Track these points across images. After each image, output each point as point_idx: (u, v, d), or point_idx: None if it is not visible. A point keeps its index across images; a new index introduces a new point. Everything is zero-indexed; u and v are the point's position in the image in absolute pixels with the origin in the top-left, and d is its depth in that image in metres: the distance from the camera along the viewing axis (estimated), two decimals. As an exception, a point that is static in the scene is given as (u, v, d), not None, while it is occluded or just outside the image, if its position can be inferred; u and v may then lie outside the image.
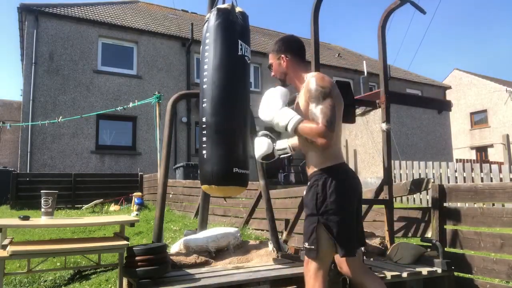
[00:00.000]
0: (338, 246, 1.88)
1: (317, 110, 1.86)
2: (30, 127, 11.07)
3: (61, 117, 9.62)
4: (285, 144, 2.40)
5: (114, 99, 12.45)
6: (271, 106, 1.99)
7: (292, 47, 2.14)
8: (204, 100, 2.70)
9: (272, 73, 2.21)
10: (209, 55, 2.70)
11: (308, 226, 1.94)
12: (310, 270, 1.94)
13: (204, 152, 2.64)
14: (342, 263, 2.12)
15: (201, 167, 2.69)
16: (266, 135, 2.32)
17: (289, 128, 1.90)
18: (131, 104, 8.82)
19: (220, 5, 2.81)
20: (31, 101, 11.33)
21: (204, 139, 2.65)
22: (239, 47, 2.71)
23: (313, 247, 1.90)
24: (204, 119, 2.67)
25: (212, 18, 2.74)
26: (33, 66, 11.49)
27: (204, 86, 2.71)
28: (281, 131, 1.99)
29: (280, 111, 1.95)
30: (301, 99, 2.03)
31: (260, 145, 2.29)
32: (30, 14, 11.79)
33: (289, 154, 2.38)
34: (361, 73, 17.09)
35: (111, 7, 15.14)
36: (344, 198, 1.90)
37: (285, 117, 1.92)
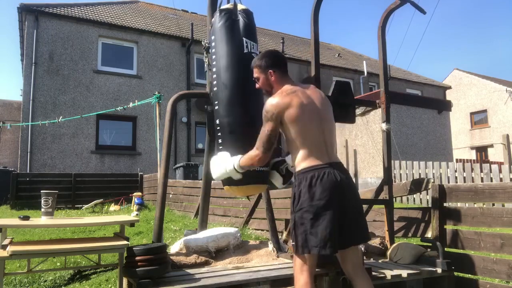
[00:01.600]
0: (307, 242, 1.99)
1: (260, 132, 2.15)
2: (30, 127, 11.07)
3: (61, 117, 9.61)
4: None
5: (114, 99, 12.45)
6: (217, 166, 2.44)
7: (278, 62, 2.28)
8: (216, 102, 2.73)
9: (258, 86, 2.36)
10: (216, 57, 2.73)
11: (290, 223, 2.16)
12: (296, 265, 2.07)
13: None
14: (344, 261, 2.17)
15: None
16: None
17: (237, 167, 2.28)
18: (131, 104, 8.82)
19: (223, 6, 2.82)
20: (31, 101, 11.33)
21: (220, 141, 2.68)
22: (245, 45, 2.72)
23: (293, 243, 2.06)
24: (217, 121, 2.71)
25: (216, 20, 2.77)
26: (33, 66, 11.49)
27: (215, 89, 2.74)
28: (239, 174, 2.35)
29: (223, 163, 2.38)
30: None
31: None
32: (30, 14, 11.78)
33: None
34: (361, 73, 17.09)
35: (111, 7, 15.14)
36: (313, 197, 2.02)
37: (229, 164, 2.33)
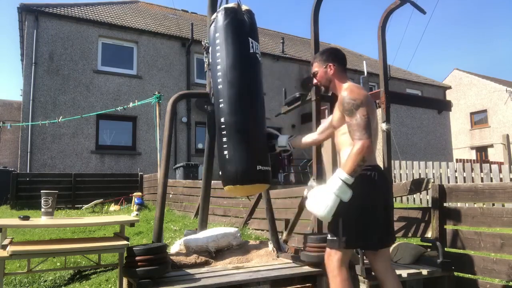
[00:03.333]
0: (362, 236, 2.03)
1: (352, 123, 2.00)
2: (30, 127, 11.07)
3: (61, 117, 9.62)
4: (284, 142, 2.51)
5: (114, 99, 12.45)
6: (321, 201, 1.94)
7: (338, 57, 2.29)
8: (220, 100, 2.69)
9: (315, 81, 2.35)
10: (221, 55, 2.70)
11: (338, 217, 2.00)
12: (333, 261, 2.07)
13: (225, 152, 2.63)
14: (376, 261, 2.19)
15: (224, 168, 2.67)
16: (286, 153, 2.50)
17: (348, 180, 1.91)
18: (131, 104, 8.82)
19: (227, 5, 2.81)
20: (31, 101, 11.32)
21: (225, 139, 2.64)
22: (250, 45, 2.72)
23: (335, 238, 2.05)
24: (222, 120, 2.66)
25: (220, 18, 2.73)
26: (33, 66, 11.48)
27: (219, 87, 2.70)
28: (350, 189, 1.92)
29: (325, 194, 1.93)
30: (336, 108, 2.22)
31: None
32: (30, 14, 11.78)
33: (289, 152, 2.60)
34: (361, 73, 17.05)
35: (111, 7, 15.14)
36: (372, 195, 2.05)
37: (334, 186, 1.92)
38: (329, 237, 2.10)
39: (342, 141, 2.19)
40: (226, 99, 2.66)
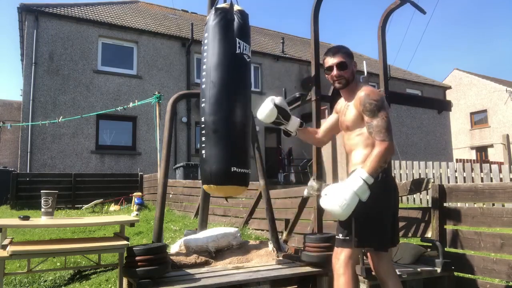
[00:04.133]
0: (375, 237, 2.03)
1: (374, 124, 1.99)
2: (30, 127, 11.07)
3: (61, 117, 9.62)
4: (293, 128, 2.42)
5: (114, 99, 12.45)
6: (342, 197, 1.88)
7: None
8: (203, 100, 2.70)
9: (338, 72, 2.16)
10: (207, 54, 2.71)
11: (352, 216, 1.96)
12: (341, 259, 2.05)
13: (203, 152, 2.65)
14: (378, 261, 2.17)
15: (201, 167, 2.70)
16: (276, 105, 2.34)
17: (368, 179, 1.89)
18: (131, 104, 8.82)
19: (219, 5, 2.81)
20: (31, 101, 11.33)
21: (203, 138, 2.66)
22: (237, 45, 2.71)
23: (346, 237, 2.05)
24: (203, 119, 2.68)
25: (210, 18, 2.75)
26: (33, 66, 11.49)
27: (203, 86, 2.71)
28: (368, 189, 1.91)
29: (352, 188, 1.89)
30: (351, 108, 2.15)
31: (264, 108, 2.33)
32: (30, 14, 11.78)
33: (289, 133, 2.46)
34: (361, 73, 16.95)
35: (111, 7, 15.14)
36: (386, 197, 2.07)
37: (357, 183, 1.89)
38: (340, 236, 2.07)
39: (355, 141, 2.14)
40: (207, 99, 2.66)
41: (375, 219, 2.03)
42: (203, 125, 2.67)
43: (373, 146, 2.00)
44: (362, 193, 1.89)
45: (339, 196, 1.88)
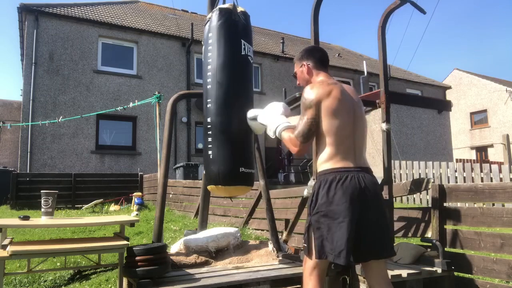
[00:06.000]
0: (323, 247, 1.88)
1: (298, 121, 2.03)
2: (30, 127, 11.07)
3: (61, 117, 9.61)
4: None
5: (114, 99, 12.45)
6: (269, 113, 2.28)
7: (313, 55, 2.21)
8: (208, 100, 2.70)
9: (298, 82, 2.28)
10: (212, 55, 2.70)
11: (305, 225, 2.03)
12: (306, 268, 2.01)
13: (210, 152, 2.64)
14: (367, 275, 2.05)
15: (207, 168, 2.69)
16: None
17: (275, 132, 2.16)
18: (131, 104, 8.82)
19: (222, 5, 2.81)
20: (31, 101, 11.32)
21: (210, 139, 2.65)
22: (242, 46, 2.72)
23: (305, 245, 1.99)
24: (209, 119, 2.67)
25: (214, 18, 2.73)
26: (33, 66, 11.48)
27: (208, 87, 2.70)
28: (271, 136, 2.21)
29: (274, 117, 2.22)
30: None
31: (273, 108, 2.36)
32: (30, 14, 11.78)
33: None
34: (361, 73, 17.09)
35: (111, 7, 15.14)
36: (332, 201, 1.88)
37: (275, 123, 2.18)
38: (302, 243, 2.06)
39: (316, 140, 2.07)
40: (214, 99, 2.66)
41: (326, 229, 1.87)
42: (209, 126, 2.67)
43: (321, 146, 1.99)
44: (268, 129, 2.22)
45: (268, 112, 2.29)
